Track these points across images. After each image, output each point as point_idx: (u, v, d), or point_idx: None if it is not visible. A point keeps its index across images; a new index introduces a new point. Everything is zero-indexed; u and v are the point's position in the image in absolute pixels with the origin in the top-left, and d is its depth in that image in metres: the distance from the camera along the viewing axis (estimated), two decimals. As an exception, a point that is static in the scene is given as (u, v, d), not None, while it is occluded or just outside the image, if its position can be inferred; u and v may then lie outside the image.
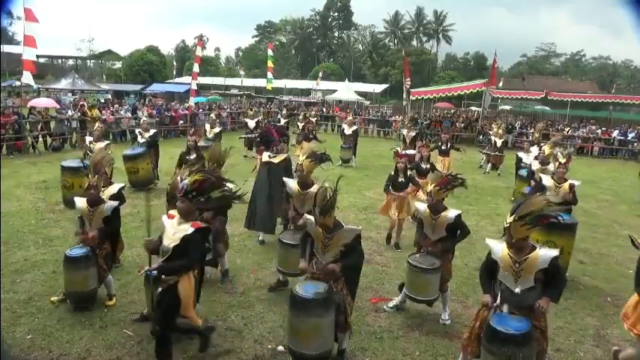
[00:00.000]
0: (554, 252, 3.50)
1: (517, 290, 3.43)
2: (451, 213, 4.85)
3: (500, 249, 3.58)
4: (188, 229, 3.60)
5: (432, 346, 4.46)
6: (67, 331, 4.44)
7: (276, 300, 5.22)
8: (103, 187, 5.46)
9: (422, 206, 5.07)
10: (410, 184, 7.19)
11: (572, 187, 6.50)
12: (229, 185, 3.93)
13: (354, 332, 4.62)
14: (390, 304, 5.15)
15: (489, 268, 3.66)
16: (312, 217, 4.07)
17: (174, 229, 3.65)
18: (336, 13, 68.78)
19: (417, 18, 65.93)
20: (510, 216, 3.46)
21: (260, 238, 7.14)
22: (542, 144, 12.10)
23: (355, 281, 4.22)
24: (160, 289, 3.70)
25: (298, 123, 18.57)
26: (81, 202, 5.06)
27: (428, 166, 8.62)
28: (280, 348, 4.22)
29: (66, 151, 15.14)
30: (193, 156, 8.24)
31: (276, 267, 5.44)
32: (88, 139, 9.49)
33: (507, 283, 3.49)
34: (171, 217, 3.78)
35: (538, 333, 3.43)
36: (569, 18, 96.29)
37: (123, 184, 6.10)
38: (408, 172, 7.38)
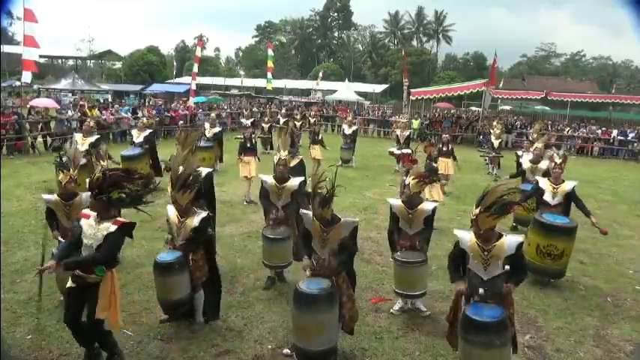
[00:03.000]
0: (520, 238, 3.64)
1: (486, 277, 3.52)
2: (428, 205, 4.96)
3: (468, 238, 3.66)
4: (110, 227, 3.57)
5: (432, 346, 4.46)
6: (67, 331, 4.40)
7: (276, 300, 5.23)
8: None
9: (396, 202, 5.09)
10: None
11: (569, 195, 6.24)
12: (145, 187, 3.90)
13: (354, 332, 4.63)
14: (396, 307, 5.13)
15: (457, 257, 3.75)
16: (309, 212, 4.07)
17: (94, 229, 3.60)
18: (335, 14, 68.75)
19: (417, 18, 65.93)
20: (476, 208, 3.55)
21: None
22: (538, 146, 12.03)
23: (352, 271, 4.26)
24: (74, 286, 3.66)
25: (296, 122, 18.60)
26: (51, 196, 4.94)
27: (435, 164, 8.64)
28: (286, 351, 4.18)
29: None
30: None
31: (262, 261, 5.50)
32: (78, 135, 9.48)
33: (477, 271, 3.58)
34: (85, 216, 3.72)
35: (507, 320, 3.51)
36: (569, 18, 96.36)
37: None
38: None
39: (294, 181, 5.55)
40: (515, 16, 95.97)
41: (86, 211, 3.83)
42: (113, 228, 3.58)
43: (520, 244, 3.56)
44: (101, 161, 6.25)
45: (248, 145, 9.88)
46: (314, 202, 3.92)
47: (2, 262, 5.69)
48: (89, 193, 4.93)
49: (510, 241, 3.55)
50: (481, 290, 3.51)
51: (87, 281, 3.63)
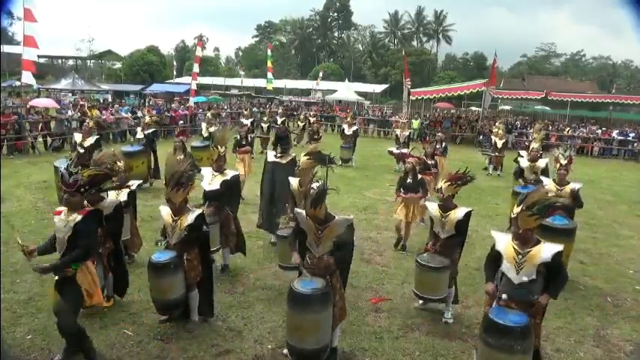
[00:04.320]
0: (559, 247, 3.53)
1: (517, 282, 3.48)
2: (461, 211, 4.86)
3: (504, 240, 3.63)
4: (77, 217, 3.73)
5: (432, 346, 4.46)
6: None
7: (275, 300, 5.22)
8: (119, 187, 5.27)
9: (432, 205, 5.09)
10: (420, 188, 6.96)
11: (574, 192, 6.29)
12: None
13: (354, 332, 4.63)
14: (421, 301, 5.18)
15: (493, 258, 3.71)
16: (302, 211, 4.06)
17: (65, 222, 3.75)
18: (335, 14, 68.72)
19: (417, 18, 65.92)
20: (517, 207, 3.51)
21: (272, 239, 7.05)
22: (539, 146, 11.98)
23: (347, 271, 4.26)
24: (57, 279, 3.84)
25: (299, 122, 18.61)
26: None
27: (433, 162, 8.67)
28: (286, 351, 4.15)
29: (66, 151, 15.12)
30: (180, 156, 8.14)
31: (278, 264, 5.47)
32: (77, 135, 9.54)
33: (509, 274, 3.53)
34: (57, 213, 3.88)
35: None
36: (570, 18, 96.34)
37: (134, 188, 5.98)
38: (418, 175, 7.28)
39: (315, 185, 5.52)
40: (515, 17, 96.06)
41: (59, 208, 3.97)
42: (79, 217, 3.72)
43: (558, 253, 3.46)
44: (118, 162, 6.23)
45: (243, 142, 9.93)
46: (306, 202, 3.91)
47: (2, 262, 5.68)
48: (113, 200, 5.05)
49: (548, 248, 3.47)
50: (504, 296, 3.47)
51: (66, 274, 3.78)
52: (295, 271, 5.35)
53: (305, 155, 5.63)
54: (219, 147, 6.08)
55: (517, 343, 3.27)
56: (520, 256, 3.48)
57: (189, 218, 4.41)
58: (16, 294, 5.13)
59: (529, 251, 3.47)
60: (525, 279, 3.46)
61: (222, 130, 7.08)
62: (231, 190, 5.83)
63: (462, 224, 4.84)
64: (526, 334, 3.32)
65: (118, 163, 5.92)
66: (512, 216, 3.55)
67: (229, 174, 5.87)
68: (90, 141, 8.94)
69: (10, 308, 4.80)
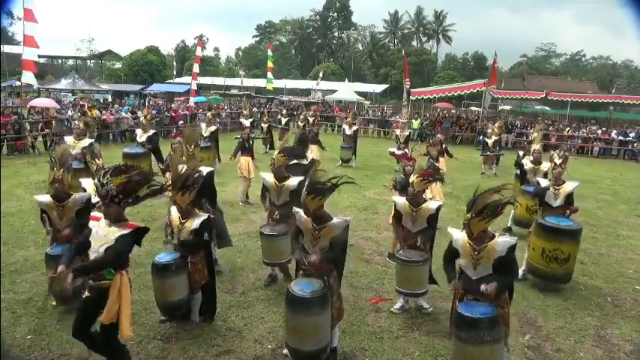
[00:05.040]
0: (512, 240, 3.61)
1: (475, 278, 3.55)
2: (432, 204, 4.95)
3: (460, 237, 3.69)
4: (123, 230, 3.48)
5: (432, 346, 4.46)
6: (67, 331, 4.39)
7: (275, 300, 5.22)
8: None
9: (400, 199, 5.11)
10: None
11: (569, 195, 6.18)
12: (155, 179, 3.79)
13: (354, 332, 4.63)
14: (397, 306, 5.13)
15: (451, 256, 3.79)
16: (301, 211, 4.07)
17: (105, 231, 3.50)
18: (335, 14, 68.75)
19: (417, 18, 65.96)
20: (467, 212, 3.56)
21: None
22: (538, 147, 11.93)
23: (341, 270, 4.25)
24: (89, 295, 3.58)
25: (299, 122, 18.62)
26: (44, 198, 4.90)
27: (437, 164, 8.66)
28: (286, 351, 4.15)
29: (66, 151, 15.13)
30: (183, 158, 8.09)
31: (263, 260, 5.51)
32: (69, 138, 8.63)
33: (467, 270, 3.61)
34: (95, 219, 3.63)
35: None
36: (571, 19, 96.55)
37: None
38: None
39: (293, 181, 5.56)
40: (516, 17, 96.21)
41: (95, 214, 3.74)
42: (127, 231, 3.49)
43: (512, 247, 3.55)
44: (96, 160, 6.15)
45: (246, 145, 9.91)
46: (305, 189, 3.92)
47: (2, 262, 5.69)
48: (83, 194, 4.94)
49: (502, 242, 3.55)
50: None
51: (102, 287, 3.52)
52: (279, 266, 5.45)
53: (279, 153, 5.68)
54: (188, 146, 6.08)
55: (486, 334, 3.32)
56: (476, 252, 3.56)
57: (195, 223, 4.42)
58: (16, 294, 5.13)
59: (485, 247, 3.54)
60: (483, 274, 3.53)
61: (191, 130, 7.05)
62: (205, 184, 5.76)
63: (434, 217, 4.93)
64: (494, 324, 3.38)
65: (97, 160, 5.86)
66: (464, 221, 3.61)
67: (204, 171, 5.84)
68: (83, 144, 7.99)
69: (10, 308, 4.80)
